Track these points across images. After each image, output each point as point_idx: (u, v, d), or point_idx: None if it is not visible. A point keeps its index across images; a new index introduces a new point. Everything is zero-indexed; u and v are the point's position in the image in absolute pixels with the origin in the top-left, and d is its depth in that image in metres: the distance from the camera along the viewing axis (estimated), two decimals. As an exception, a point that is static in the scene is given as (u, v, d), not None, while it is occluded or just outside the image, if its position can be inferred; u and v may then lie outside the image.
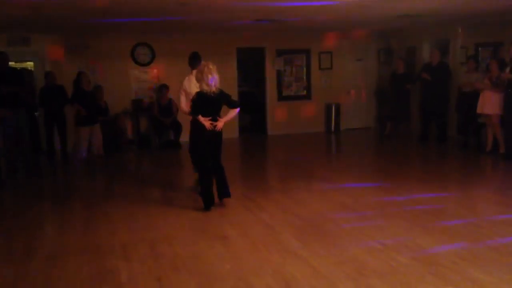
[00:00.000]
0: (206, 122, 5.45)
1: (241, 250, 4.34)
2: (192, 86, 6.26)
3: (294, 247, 4.35)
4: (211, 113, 5.49)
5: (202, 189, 5.63)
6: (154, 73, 10.55)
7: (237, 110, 5.71)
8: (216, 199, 5.67)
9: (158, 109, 10.04)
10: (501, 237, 4.44)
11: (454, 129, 9.62)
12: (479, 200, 5.87)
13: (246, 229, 4.89)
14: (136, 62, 10.44)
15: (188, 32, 10.08)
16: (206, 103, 5.43)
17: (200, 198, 5.67)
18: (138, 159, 9.68)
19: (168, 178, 7.51)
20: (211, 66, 5.36)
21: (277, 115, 11.60)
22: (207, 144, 5.55)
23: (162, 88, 10.00)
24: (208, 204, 5.54)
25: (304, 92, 11.75)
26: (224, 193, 5.70)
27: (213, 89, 5.37)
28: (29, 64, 9.94)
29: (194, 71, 6.19)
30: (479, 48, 9.48)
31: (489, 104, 7.89)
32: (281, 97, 11.59)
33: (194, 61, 6.41)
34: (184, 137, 6.85)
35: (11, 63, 8.13)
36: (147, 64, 10.50)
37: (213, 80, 5.37)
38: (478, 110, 8.10)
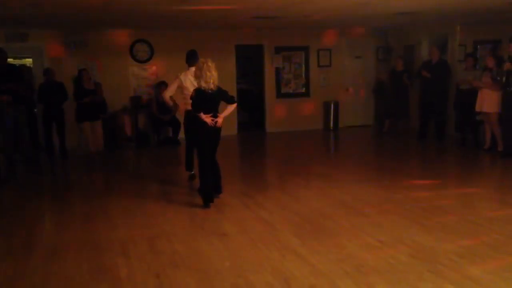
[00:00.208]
0: (207, 119, 5.45)
1: (240, 247, 4.35)
2: (187, 81, 6.31)
3: (293, 244, 4.36)
4: (210, 110, 5.49)
5: (201, 186, 5.64)
6: (153, 70, 10.54)
7: (234, 105, 5.72)
8: None
9: (156, 106, 10.03)
10: (499, 234, 4.46)
11: (452, 127, 9.63)
12: (477, 197, 5.88)
13: (245, 226, 4.90)
14: (135, 59, 10.42)
15: (187, 29, 10.07)
16: (205, 100, 5.42)
17: (199, 195, 5.70)
18: (137, 156, 9.68)
19: (167, 175, 7.52)
20: (210, 63, 5.34)
21: (276, 112, 11.61)
22: (208, 141, 5.56)
23: (161, 85, 9.97)
24: (207, 201, 5.55)
25: (303, 89, 11.76)
26: (217, 189, 5.77)
27: (211, 86, 5.37)
28: (28, 61, 9.91)
29: (191, 68, 6.22)
30: (478, 46, 9.50)
31: (488, 102, 7.90)
32: (279, 94, 11.59)
33: (192, 59, 6.41)
34: (183, 134, 6.87)
35: (9, 60, 8.11)
36: (146, 61, 10.48)
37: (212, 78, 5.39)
38: (477, 108, 8.12)
